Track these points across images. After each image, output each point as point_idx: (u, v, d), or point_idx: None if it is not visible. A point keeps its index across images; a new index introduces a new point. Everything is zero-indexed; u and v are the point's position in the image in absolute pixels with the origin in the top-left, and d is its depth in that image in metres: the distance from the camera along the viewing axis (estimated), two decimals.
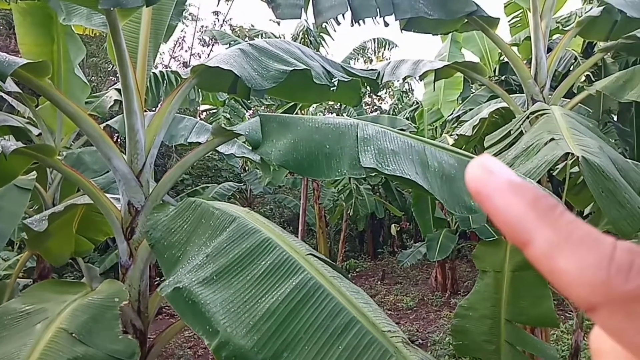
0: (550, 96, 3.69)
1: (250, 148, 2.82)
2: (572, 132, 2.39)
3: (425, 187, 1.74)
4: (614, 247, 0.20)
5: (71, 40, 3.85)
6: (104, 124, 4.43)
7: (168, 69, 6.56)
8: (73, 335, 1.30)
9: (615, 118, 8.19)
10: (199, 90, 4.81)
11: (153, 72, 4.74)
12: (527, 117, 2.85)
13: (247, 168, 10.23)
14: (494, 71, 8.71)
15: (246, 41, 2.60)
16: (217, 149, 3.42)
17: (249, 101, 8.46)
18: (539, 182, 3.24)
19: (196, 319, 1.17)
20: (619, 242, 0.21)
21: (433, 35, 3.73)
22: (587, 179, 2.04)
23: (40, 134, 4.22)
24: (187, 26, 14.64)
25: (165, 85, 4.84)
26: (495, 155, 2.68)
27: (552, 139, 2.31)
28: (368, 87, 3.35)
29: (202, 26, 15.17)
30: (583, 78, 7.38)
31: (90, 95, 4.79)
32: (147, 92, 4.58)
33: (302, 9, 3.16)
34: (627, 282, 0.19)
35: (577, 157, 2.10)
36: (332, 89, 3.07)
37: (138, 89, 1.80)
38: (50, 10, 3.41)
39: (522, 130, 2.92)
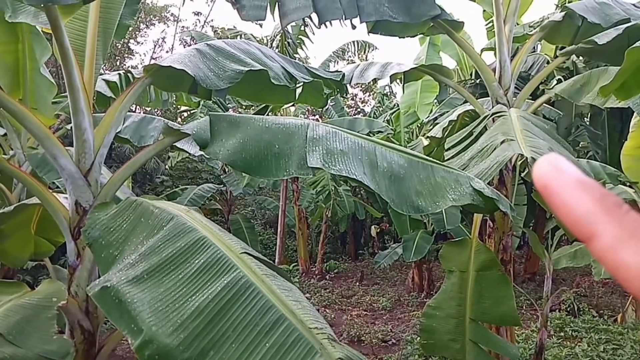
0: (514, 99, 3.75)
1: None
2: (526, 134, 2.44)
3: (372, 187, 1.77)
4: None
5: (37, 39, 3.80)
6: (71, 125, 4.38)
7: None
8: (2, 336, 1.29)
9: (587, 121, 8.35)
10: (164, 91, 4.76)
11: (124, 72, 4.70)
12: (487, 119, 2.90)
13: (226, 169, 10.18)
14: (471, 74, 8.83)
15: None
16: (187, 150, 3.40)
17: (227, 103, 8.44)
18: (500, 179, 3.30)
19: (122, 317, 1.17)
20: None
21: (400, 38, 3.76)
22: None
23: (5, 135, 4.15)
24: (168, 27, 14.55)
25: None
26: (453, 156, 2.72)
27: (505, 141, 2.36)
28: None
29: (183, 27, 15.09)
30: (555, 82, 7.52)
31: (59, 95, 4.73)
32: (117, 92, 4.54)
33: (267, 11, 3.18)
34: None
35: (527, 157, 2.14)
36: (297, 90, 3.08)
37: (85, 87, 1.79)
38: None
39: (483, 131, 2.97)
